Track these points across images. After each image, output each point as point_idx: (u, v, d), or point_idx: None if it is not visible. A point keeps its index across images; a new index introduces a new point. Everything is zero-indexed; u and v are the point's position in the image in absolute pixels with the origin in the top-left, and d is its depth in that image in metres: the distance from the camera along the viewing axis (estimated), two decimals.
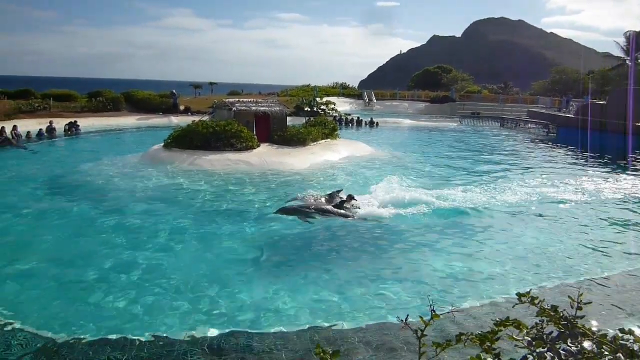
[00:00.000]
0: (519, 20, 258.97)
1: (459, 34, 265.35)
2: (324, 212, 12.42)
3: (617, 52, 58.39)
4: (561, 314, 2.39)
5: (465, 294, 7.99)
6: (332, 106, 42.43)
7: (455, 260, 9.65)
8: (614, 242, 11.09)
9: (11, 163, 19.77)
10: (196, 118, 26.60)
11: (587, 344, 2.19)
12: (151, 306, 7.37)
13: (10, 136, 24.05)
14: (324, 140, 23.87)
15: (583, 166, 22.81)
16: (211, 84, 62.32)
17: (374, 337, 6.49)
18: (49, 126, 27.65)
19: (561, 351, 2.18)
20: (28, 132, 26.01)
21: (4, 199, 13.72)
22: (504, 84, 79.75)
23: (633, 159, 24.45)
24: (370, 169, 19.32)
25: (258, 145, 20.96)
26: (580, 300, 2.44)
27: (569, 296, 2.51)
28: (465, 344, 2.33)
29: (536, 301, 2.49)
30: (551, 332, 2.36)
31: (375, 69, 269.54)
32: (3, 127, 24.10)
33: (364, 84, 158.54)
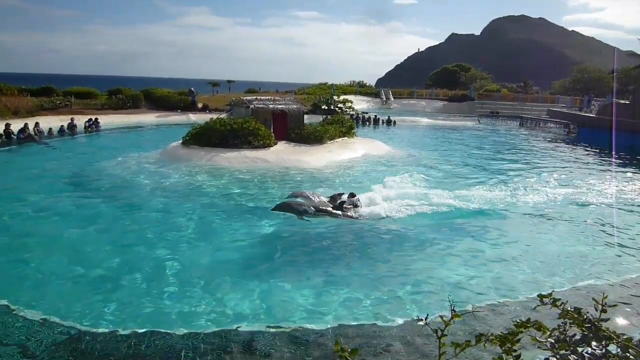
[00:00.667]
0: (540, 18, 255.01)
1: (478, 32, 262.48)
2: (322, 211, 12.20)
3: None
4: (585, 317, 2.34)
5: (481, 295, 7.91)
6: (350, 104, 42.29)
7: (466, 261, 9.56)
8: (638, 244, 10.87)
9: (33, 159, 20.17)
10: (214, 116, 26.78)
11: (611, 348, 2.15)
12: (169, 300, 7.45)
13: (32, 133, 24.51)
14: (341, 139, 23.84)
15: (605, 167, 22.39)
16: (229, 81, 62.62)
17: (392, 336, 6.46)
18: (70, 123, 28.09)
19: (585, 354, 2.15)
20: (50, 129, 26.46)
21: (26, 194, 13.98)
22: (523, 82, 78.56)
23: None
24: (387, 168, 19.23)
25: (275, 143, 21.02)
26: (605, 303, 2.39)
27: (593, 298, 2.47)
28: (485, 344, 2.30)
29: (558, 303, 2.45)
30: (574, 335, 2.32)
31: (392, 67, 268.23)
32: (26, 124, 24.58)
33: (381, 82, 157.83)
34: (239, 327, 6.67)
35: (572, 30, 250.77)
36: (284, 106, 23.10)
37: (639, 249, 10.57)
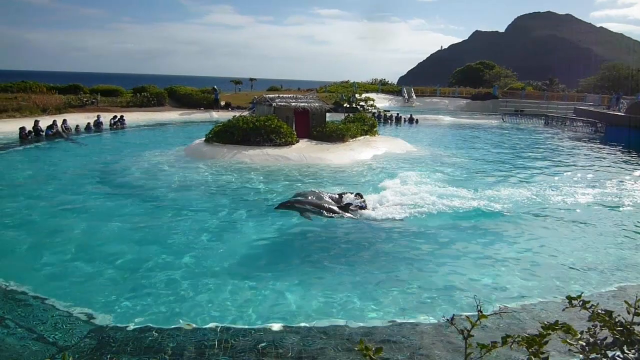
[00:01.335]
0: (567, 14, 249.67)
1: (502, 29, 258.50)
2: (326, 210, 12.00)
3: None
4: (616, 320, 2.30)
5: (506, 297, 7.81)
6: (372, 102, 42.16)
7: (486, 263, 9.43)
8: None
9: (61, 155, 20.64)
10: (236, 113, 27.02)
11: None
12: (193, 295, 7.55)
13: (60, 129, 25.10)
14: (362, 137, 23.80)
15: (633, 166, 21.83)
16: (251, 79, 63.04)
17: (411, 335, 6.43)
18: (96, 120, 28.66)
19: (617, 358, 2.11)
20: (77, 126, 27.04)
21: (54, 188, 14.32)
22: (549, 80, 77.09)
23: None
24: (409, 166, 19.10)
25: (297, 141, 21.10)
26: (638, 306, 2.34)
27: (625, 301, 2.42)
28: (512, 346, 2.28)
29: (588, 305, 2.41)
30: (605, 338, 2.28)
31: (415, 65, 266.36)
32: (54, 121, 25.18)
33: (403, 80, 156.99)
34: (259, 324, 6.71)
35: (600, 27, 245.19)
36: (306, 104, 23.15)
37: None
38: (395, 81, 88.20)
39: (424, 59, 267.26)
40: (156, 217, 11.73)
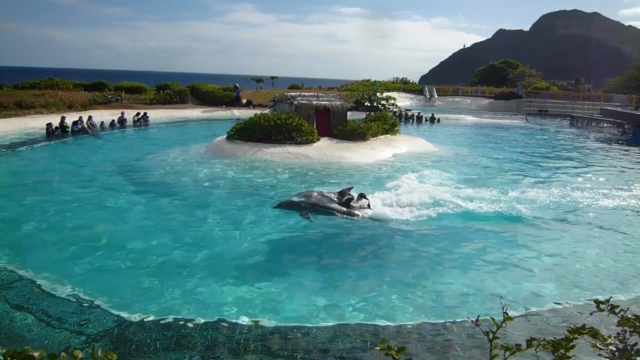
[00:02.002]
0: (594, 12, 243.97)
1: (526, 28, 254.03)
2: (327, 209, 11.80)
3: None
4: None
5: (531, 300, 7.70)
6: (393, 101, 41.92)
7: (506, 266, 9.31)
8: None
9: (86, 150, 21.05)
10: (257, 111, 27.13)
11: None
12: (212, 290, 7.64)
13: (86, 126, 25.57)
14: (384, 136, 23.70)
15: None
16: (272, 78, 63.32)
17: (430, 336, 6.40)
18: (120, 117, 29.12)
19: None
20: (102, 122, 27.51)
21: (79, 183, 14.61)
22: (574, 80, 75.66)
23: None
24: (430, 165, 18.96)
25: (318, 139, 21.11)
26: None
27: None
28: (537, 349, 2.24)
29: (617, 310, 2.36)
30: (635, 344, 2.23)
31: (437, 64, 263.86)
32: (80, 117, 25.67)
33: (425, 79, 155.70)
34: (280, 322, 6.75)
35: (629, 25, 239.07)
36: (327, 102, 23.14)
37: None
38: (416, 80, 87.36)
39: (446, 57, 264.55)
40: (178, 214, 11.88)
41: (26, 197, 13.01)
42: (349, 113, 24.58)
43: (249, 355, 5.86)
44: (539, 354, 2.29)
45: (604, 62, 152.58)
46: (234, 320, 6.69)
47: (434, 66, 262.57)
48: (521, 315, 3.16)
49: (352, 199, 12.19)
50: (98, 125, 26.97)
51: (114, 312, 6.84)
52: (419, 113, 40.42)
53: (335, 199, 12.20)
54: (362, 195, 12.46)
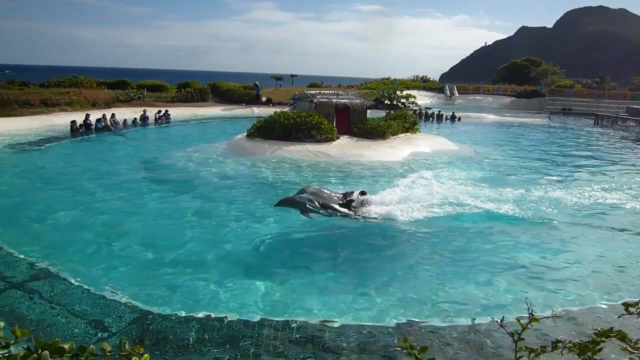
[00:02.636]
0: (621, 9, 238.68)
1: (550, 25, 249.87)
2: (328, 208, 11.57)
3: None
4: None
5: (558, 302, 7.57)
6: (413, 100, 41.63)
7: (528, 269, 9.17)
8: None
9: (109, 147, 21.42)
10: (277, 109, 27.23)
11: None
12: (230, 287, 7.70)
13: (109, 123, 25.99)
14: (404, 134, 23.56)
15: None
16: (292, 76, 63.44)
17: (452, 336, 6.34)
18: (142, 114, 29.51)
19: None
20: (124, 120, 27.92)
21: (102, 179, 14.87)
22: (599, 78, 74.07)
23: None
24: (448, 165, 18.79)
25: (338, 138, 21.08)
26: None
27: None
28: (563, 352, 2.20)
29: None
30: None
31: (458, 62, 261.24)
32: (104, 115, 26.10)
33: (445, 77, 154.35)
34: (303, 319, 6.77)
35: None
36: (347, 100, 23.09)
37: None
38: (436, 78, 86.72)
39: (467, 55, 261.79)
40: (199, 210, 11.99)
41: (51, 191, 13.31)
42: (368, 111, 24.50)
43: (271, 350, 5.88)
44: (564, 356, 2.25)
45: (631, 59, 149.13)
46: (253, 317, 6.73)
47: (454, 64, 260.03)
48: (547, 317, 3.10)
49: (352, 200, 11.94)
50: (121, 123, 27.37)
51: (135, 306, 6.94)
52: (439, 111, 40.08)
53: (337, 198, 12.01)
54: (363, 193, 12.25)
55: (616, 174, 18.77)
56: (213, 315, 6.73)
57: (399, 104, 40.01)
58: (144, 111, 29.91)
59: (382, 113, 29.03)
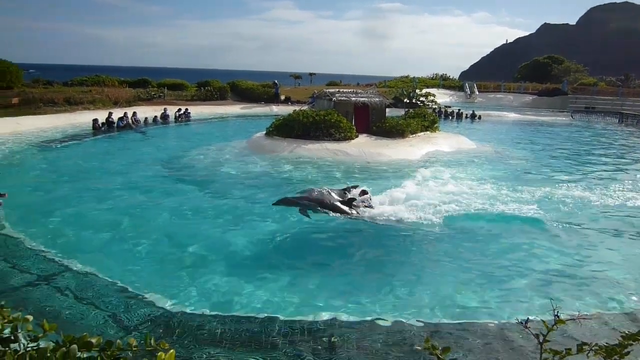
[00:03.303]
0: None
1: (573, 22, 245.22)
2: (327, 207, 11.43)
3: None
4: None
5: (581, 305, 7.44)
6: (432, 98, 41.28)
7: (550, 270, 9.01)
8: None
9: (131, 145, 21.74)
10: (296, 107, 27.28)
11: None
12: (247, 284, 7.75)
13: (131, 121, 26.36)
14: (423, 133, 23.38)
15: None
16: (310, 74, 63.48)
17: (473, 337, 6.28)
18: (163, 113, 29.86)
19: None
20: (145, 118, 28.32)
21: (124, 177, 15.11)
22: (624, 75, 72.45)
23: None
24: (467, 164, 18.59)
25: (356, 136, 21.02)
26: None
27: None
28: (589, 355, 2.16)
29: None
30: None
31: (478, 60, 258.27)
32: (125, 113, 26.50)
33: (465, 75, 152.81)
34: (325, 316, 6.77)
35: None
36: (366, 99, 23.01)
37: None
38: (456, 76, 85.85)
39: (488, 53, 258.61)
40: (218, 207, 12.09)
41: (74, 187, 13.61)
42: (387, 110, 24.37)
43: (286, 348, 5.90)
44: (590, 359, 2.21)
45: None
46: (269, 315, 6.75)
47: (474, 62, 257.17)
48: (573, 319, 3.03)
49: (354, 199, 11.80)
50: (142, 121, 27.75)
51: (154, 302, 7.03)
52: (459, 110, 39.67)
53: (338, 197, 11.83)
54: (363, 192, 12.12)
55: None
56: (235, 313, 6.77)
57: (418, 102, 39.72)
58: (165, 109, 30.26)
59: (401, 111, 28.87)
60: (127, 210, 11.63)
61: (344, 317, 6.74)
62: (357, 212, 11.52)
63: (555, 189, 14.36)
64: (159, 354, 1.73)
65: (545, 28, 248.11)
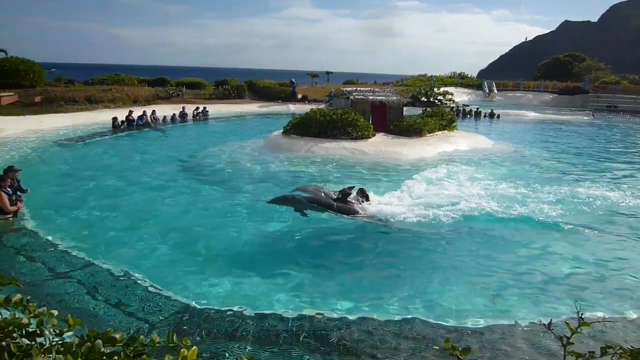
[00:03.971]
0: None
1: (594, 19, 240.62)
2: (323, 205, 11.24)
3: None
4: None
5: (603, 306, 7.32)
6: (450, 97, 40.95)
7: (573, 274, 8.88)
8: None
9: (150, 143, 22.02)
10: (313, 106, 27.28)
11: None
12: (259, 283, 7.80)
13: (150, 120, 26.69)
14: (441, 132, 23.21)
15: None
16: (327, 73, 63.50)
17: (494, 338, 6.22)
18: (181, 111, 30.17)
19: None
20: (164, 117, 28.63)
21: (143, 174, 15.31)
22: None
23: None
24: (488, 162, 18.40)
25: (374, 135, 20.96)
26: None
27: None
28: (613, 358, 2.12)
29: None
30: None
31: (496, 58, 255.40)
32: (144, 112, 26.81)
33: (483, 73, 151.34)
34: (343, 315, 6.78)
35: None
36: (384, 97, 22.91)
37: None
38: (474, 74, 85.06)
39: (507, 51, 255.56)
40: (236, 205, 12.16)
41: (94, 184, 13.82)
42: (405, 108, 24.24)
43: (300, 345, 5.91)
44: None
45: None
46: (284, 312, 6.77)
47: (493, 60, 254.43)
48: (598, 321, 2.99)
49: (349, 194, 11.57)
50: (160, 119, 28.06)
51: (174, 298, 7.10)
52: (477, 108, 39.28)
53: (334, 196, 11.59)
54: (362, 192, 11.96)
55: None
56: (252, 310, 6.79)
57: (436, 101, 39.45)
58: (183, 108, 30.56)
59: (418, 110, 28.69)
60: (146, 207, 11.79)
61: (359, 314, 6.73)
62: (354, 211, 11.28)
63: (575, 189, 14.12)
64: (182, 350, 1.76)
65: (566, 26, 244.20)
